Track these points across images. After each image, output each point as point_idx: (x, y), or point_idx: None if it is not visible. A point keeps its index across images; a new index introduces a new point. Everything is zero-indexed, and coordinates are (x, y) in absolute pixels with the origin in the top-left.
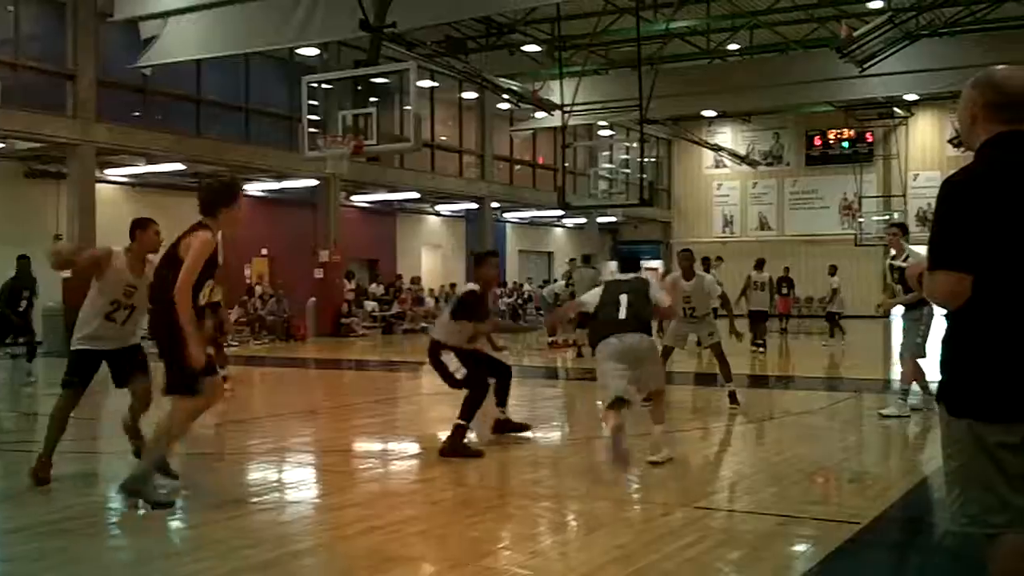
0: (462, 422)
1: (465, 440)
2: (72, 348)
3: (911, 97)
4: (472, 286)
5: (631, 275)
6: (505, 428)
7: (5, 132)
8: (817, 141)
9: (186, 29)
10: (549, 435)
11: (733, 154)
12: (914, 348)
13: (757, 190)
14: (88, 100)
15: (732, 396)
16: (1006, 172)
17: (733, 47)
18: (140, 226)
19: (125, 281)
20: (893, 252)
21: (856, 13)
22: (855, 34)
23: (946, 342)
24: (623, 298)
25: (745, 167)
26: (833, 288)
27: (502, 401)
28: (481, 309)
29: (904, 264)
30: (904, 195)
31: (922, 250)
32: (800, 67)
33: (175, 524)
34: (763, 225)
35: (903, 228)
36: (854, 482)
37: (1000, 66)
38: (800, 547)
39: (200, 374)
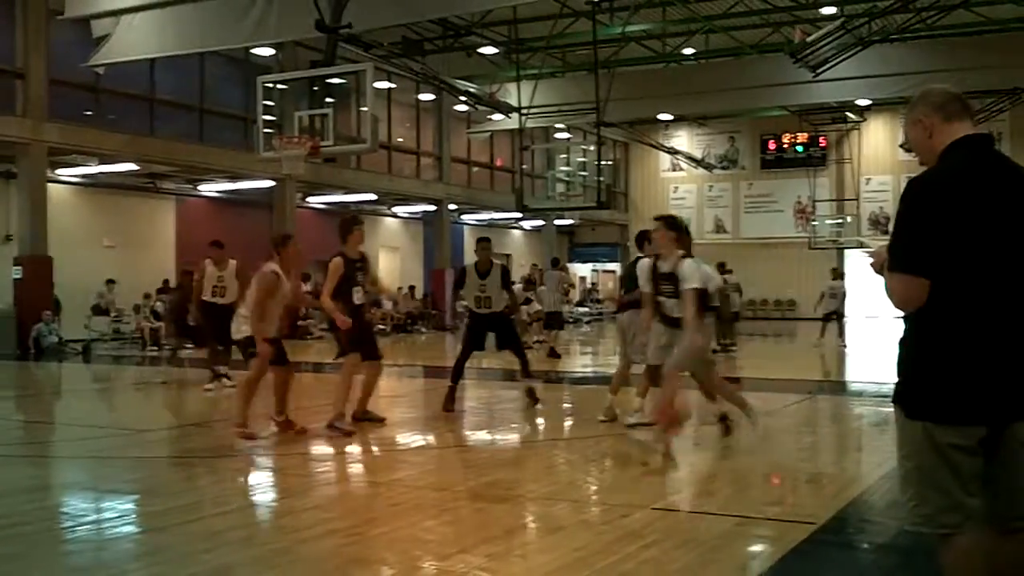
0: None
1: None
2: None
3: (864, 102)
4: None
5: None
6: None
7: None
8: (771, 145)
9: (139, 27)
10: (508, 437)
11: (689, 157)
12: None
13: (713, 193)
14: (38, 99)
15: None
16: (968, 174)
17: (689, 51)
18: (283, 243)
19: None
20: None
21: (810, 19)
22: (809, 39)
23: (903, 344)
24: None
25: (701, 170)
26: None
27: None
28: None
29: (671, 270)
30: (857, 199)
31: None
32: (755, 71)
33: (131, 528)
34: (719, 228)
35: (670, 222)
36: (810, 483)
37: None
38: (757, 547)
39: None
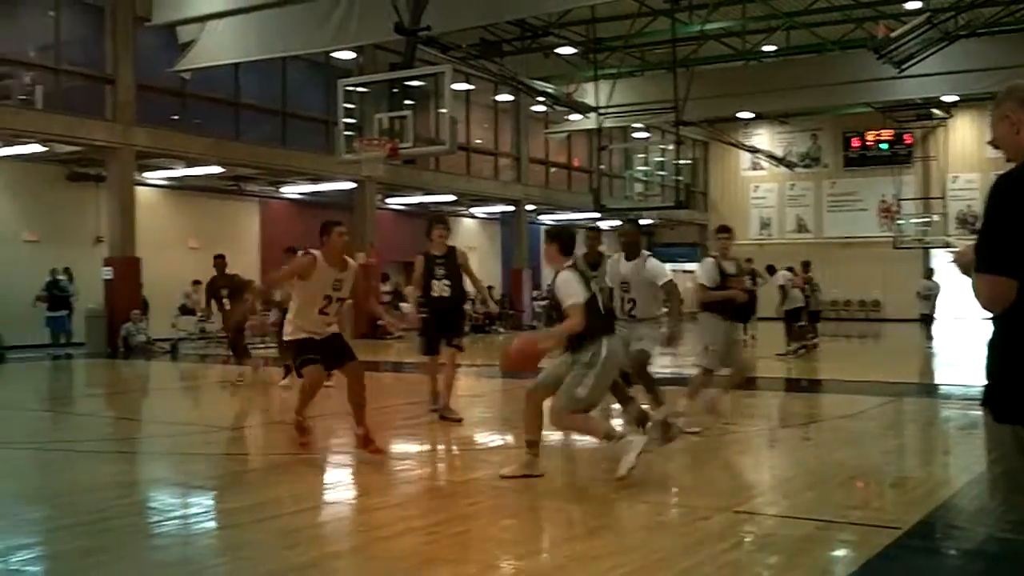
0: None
1: None
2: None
3: (950, 98)
4: None
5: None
6: None
7: (46, 136)
8: (855, 143)
9: (224, 33)
10: (586, 436)
11: (770, 156)
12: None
13: (795, 192)
14: (127, 104)
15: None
16: None
17: (769, 48)
18: (326, 230)
19: (332, 277)
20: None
21: (894, 14)
22: (893, 35)
23: (992, 346)
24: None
25: (782, 169)
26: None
27: None
28: None
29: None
30: (943, 197)
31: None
32: (837, 68)
33: (214, 524)
34: (801, 227)
35: (549, 232)
36: (895, 487)
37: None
38: (839, 552)
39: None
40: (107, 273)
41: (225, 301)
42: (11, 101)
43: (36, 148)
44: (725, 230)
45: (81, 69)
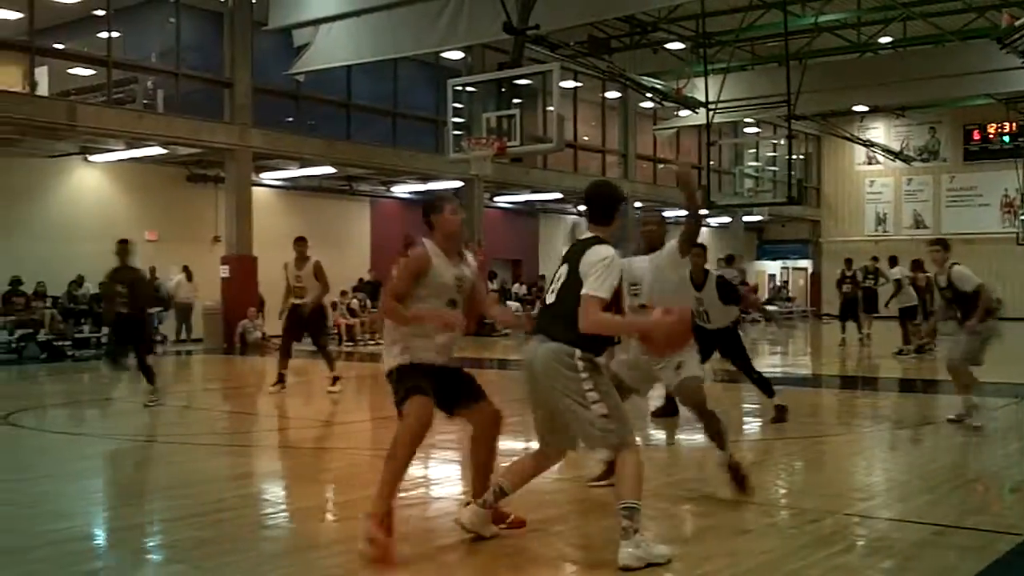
0: None
1: None
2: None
3: None
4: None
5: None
6: None
7: (168, 138)
8: (976, 136)
9: (337, 36)
10: (694, 436)
11: (886, 150)
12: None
13: (912, 187)
14: (244, 107)
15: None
16: None
17: (885, 40)
18: (435, 209)
19: (452, 275)
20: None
21: (1018, 2)
22: (1017, 23)
23: None
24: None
25: (899, 163)
26: None
27: None
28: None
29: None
30: None
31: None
32: (957, 59)
33: (325, 517)
34: (918, 223)
35: (944, 244)
36: (1016, 491)
37: None
38: (956, 558)
39: None
40: (224, 271)
41: (119, 297)
42: (135, 105)
43: (157, 150)
44: (936, 243)
45: (201, 73)
